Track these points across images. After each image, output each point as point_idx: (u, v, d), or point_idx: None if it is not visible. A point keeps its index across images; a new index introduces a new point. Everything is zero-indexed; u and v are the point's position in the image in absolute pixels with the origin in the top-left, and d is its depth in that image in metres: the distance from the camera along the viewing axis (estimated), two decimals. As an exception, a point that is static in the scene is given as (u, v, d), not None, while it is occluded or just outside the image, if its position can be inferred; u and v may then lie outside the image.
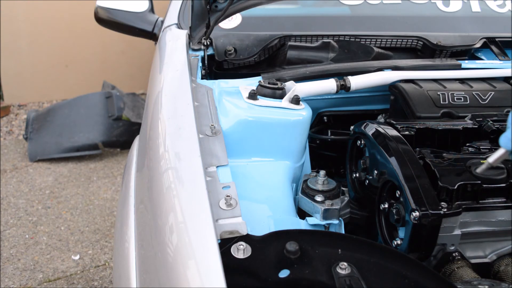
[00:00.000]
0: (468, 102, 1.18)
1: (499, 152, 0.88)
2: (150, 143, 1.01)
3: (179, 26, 1.57)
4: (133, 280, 0.86)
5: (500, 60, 1.41)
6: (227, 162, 0.90)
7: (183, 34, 1.46)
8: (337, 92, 1.21)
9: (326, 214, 0.94)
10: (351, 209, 1.07)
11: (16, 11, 3.72)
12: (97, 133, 3.18)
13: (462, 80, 1.26)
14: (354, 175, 1.14)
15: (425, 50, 1.51)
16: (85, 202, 2.73)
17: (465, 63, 1.36)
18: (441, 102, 1.17)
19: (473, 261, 0.95)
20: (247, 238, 0.72)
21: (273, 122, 1.06)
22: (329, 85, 1.21)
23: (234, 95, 1.15)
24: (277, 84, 1.14)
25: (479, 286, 0.78)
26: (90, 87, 3.85)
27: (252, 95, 1.11)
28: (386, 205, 0.97)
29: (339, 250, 0.71)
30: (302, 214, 0.99)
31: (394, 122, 1.10)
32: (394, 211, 0.91)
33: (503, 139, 0.85)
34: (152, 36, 1.74)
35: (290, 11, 1.77)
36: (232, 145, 1.03)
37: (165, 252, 0.71)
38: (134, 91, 3.89)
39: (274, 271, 0.67)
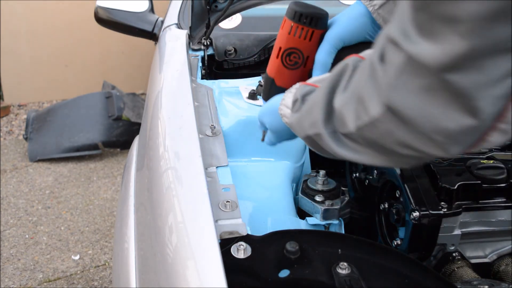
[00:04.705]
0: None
1: None
2: (150, 143, 1.01)
3: (179, 26, 1.57)
4: (132, 280, 0.86)
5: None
6: (227, 162, 0.90)
7: (183, 34, 1.46)
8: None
9: (326, 214, 0.94)
10: (351, 209, 1.07)
11: (16, 11, 3.72)
12: (97, 133, 3.18)
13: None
14: (354, 175, 1.14)
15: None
16: (85, 202, 2.73)
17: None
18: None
19: (473, 261, 0.95)
20: (247, 238, 0.72)
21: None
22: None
23: (234, 95, 1.15)
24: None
25: (479, 286, 0.78)
26: (90, 87, 3.85)
27: (252, 95, 1.10)
28: (386, 205, 0.97)
29: (339, 250, 0.71)
30: (302, 214, 0.99)
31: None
32: (394, 211, 0.91)
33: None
34: (152, 36, 1.74)
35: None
36: (232, 145, 1.03)
37: (164, 253, 0.71)
38: (134, 91, 3.89)
39: (274, 271, 0.67)
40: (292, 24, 0.77)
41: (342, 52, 0.79)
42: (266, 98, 0.86)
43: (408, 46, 0.45)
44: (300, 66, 0.80)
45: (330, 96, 0.61)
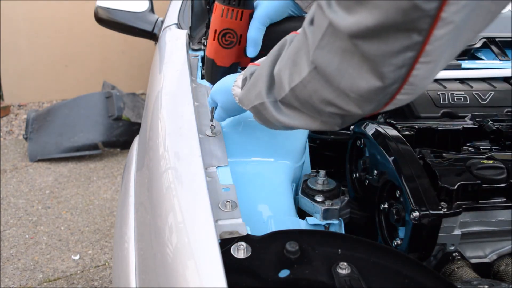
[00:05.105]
0: (468, 102, 1.18)
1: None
2: (150, 143, 1.01)
3: (179, 26, 1.57)
4: (132, 281, 0.86)
5: (500, 60, 1.40)
6: (227, 162, 0.90)
7: (183, 34, 1.46)
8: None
9: (326, 214, 0.94)
10: (351, 209, 1.07)
11: (16, 11, 3.72)
12: (97, 133, 3.18)
13: (462, 80, 1.26)
14: (354, 175, 1.14)
15: (425, 50, 1.51)
16: (85, 202, 2.73)
17: (465, 63, 1.35)
18: (441, 102, 1.17)
19: (473, 261, 0.95)
20: (247, 238, 0.72)
21: (273, 122, 1.06)
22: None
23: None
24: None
25: (479, 286, 0.78)
26: (90, 87, 3.85)
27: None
28: (386, 205, 0.97)
29: (339, 250, 0.71)
30: (302, 214, 0.99)
31: (394, 122, 1.10)
32: (394, 211, 0.91)
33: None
34: (152, 36, 1.74)
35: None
36: (232, 145, 1.03)
37: (164, 253, 0.71)
38: (134, 91, 3.89)
39: (274, 271, 0.67)
40: (223, 7, 0.87)
41: (269, 28, 0.90)
42: (209, 78, 0.97)
43: (329, 14, 0.53)
44: (235, 44, 0.90)
45: (271, 68, 0.70)
